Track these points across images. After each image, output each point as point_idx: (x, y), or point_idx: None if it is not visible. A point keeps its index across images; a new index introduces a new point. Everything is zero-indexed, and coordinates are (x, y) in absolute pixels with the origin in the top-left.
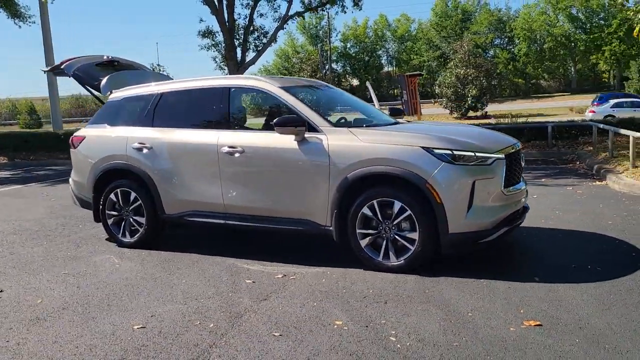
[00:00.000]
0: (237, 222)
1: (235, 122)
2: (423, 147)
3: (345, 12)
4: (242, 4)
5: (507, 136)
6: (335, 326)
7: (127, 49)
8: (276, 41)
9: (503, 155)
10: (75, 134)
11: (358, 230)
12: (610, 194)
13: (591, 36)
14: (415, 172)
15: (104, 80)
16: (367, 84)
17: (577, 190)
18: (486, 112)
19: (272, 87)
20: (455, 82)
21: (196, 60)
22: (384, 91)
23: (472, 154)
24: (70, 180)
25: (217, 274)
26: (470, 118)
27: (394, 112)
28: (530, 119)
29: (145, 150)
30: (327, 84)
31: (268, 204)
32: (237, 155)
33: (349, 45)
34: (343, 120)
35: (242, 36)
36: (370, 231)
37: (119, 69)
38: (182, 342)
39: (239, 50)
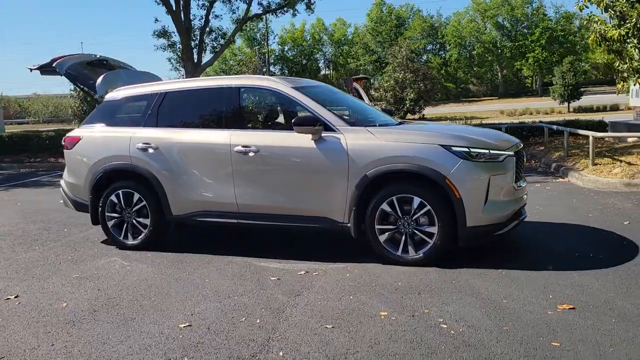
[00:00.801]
0: (250, 221)
1: (247, 121)
2: (442, 145)
3: (295, 15)
4: (197, 5)
5: (510, 135)
6: (383, 317)
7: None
8: (234, 42)
9: (512, 153)
10: (68, 134)
11: (377, 226)
12: (576, 189)
13: (516, 43)
14: (435, 169)
15: (99, 80)
16: (355, 84)
17: (546, 187)
18: (423, 115)
19: (285, 87)
20: (394, 85)
21: (150, 62)
22: None
23: (487, 151)
24: (62, 182)
25: (238, 272)
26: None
27: (386, 113)
28: (467, 122)
29: (150, 151)
30: (320, 82)
31: (284, 202)
32: (251, 154)
33: (286, 49)
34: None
35: (199, 37)
36: (388, 227)
37: (109, 68)
38: (237, 337)
39: (195, 52)
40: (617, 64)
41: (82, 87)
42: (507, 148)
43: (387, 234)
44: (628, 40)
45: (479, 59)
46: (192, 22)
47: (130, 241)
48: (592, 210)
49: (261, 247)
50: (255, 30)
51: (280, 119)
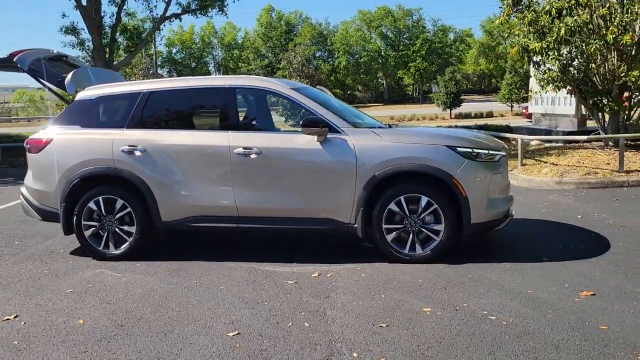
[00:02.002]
0: (251, 225)
1: (245, 122)
2: (447, 146)
3: (211, 17)
4: (109, 1)
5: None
6: (428, 313)
7: None
8: (151, 42)
9: (504, 153)
10: (34, 136)
11: (384, 226)
12: (514, 188)
13: (399, 53)
14: (443, 169)
15: (68, 77)
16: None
17: None
18: None
19: (284, 88)
20: None
21: None
22: None
23: (487, 151)
24: (23, 190)
25: (249, 278)
26: None
27: None
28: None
29: (137, 154)
30: (305, 85)
31: (288, 204)
32: (253, 156)
33: (174, 51)
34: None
35: (110, 35)
36: (395, 226)
37: (70, 65)
38: (298, 342)
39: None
40: (534, 74)
41: (47, 84)
42: (501, 149)
43: (394, 233)
44: (549, 53)
45: (365, 66)
46: (103, 19)
47: (112, 251)
48: (541, 207)
49: (256, 251)
50: (141, 30)
51: (278, 119)
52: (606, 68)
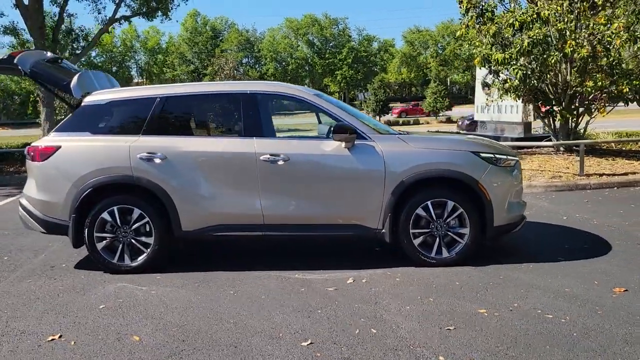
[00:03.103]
0: (278, 233)
1: (269, 128)
2: (472, 152)
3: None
4: (50, 1)
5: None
6: (486, 314)
7: None
8: (99, 44)
9: (518, 158)
10: (37, 144)
11: (412, 231)
12: None
13: (326, 61)
14: (469, 174)
15: (74, 81)
16: None
17: None
18: None
19: (307, 94)
20: None
21: None
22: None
23: (505, 157)
24: (23, 200)
25: (286, 286)
26: None
27: None
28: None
29: (157, 161)
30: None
31: (315, 211)
32: (280, 163)
33: (93, 54)
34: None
35: (52, 36)
36: (422, 230)
37: (64, 69)
38: (378, 348)
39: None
40: (494, 82)
41: (50, 88)
42: (514, 154)
43: (421, 237)
44: (512, 63)
45: (293, 74)
46: (45, 19)
47: (127, 263)
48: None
49: (276, 259)
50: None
51: (301, 125)
52: (559, 78)
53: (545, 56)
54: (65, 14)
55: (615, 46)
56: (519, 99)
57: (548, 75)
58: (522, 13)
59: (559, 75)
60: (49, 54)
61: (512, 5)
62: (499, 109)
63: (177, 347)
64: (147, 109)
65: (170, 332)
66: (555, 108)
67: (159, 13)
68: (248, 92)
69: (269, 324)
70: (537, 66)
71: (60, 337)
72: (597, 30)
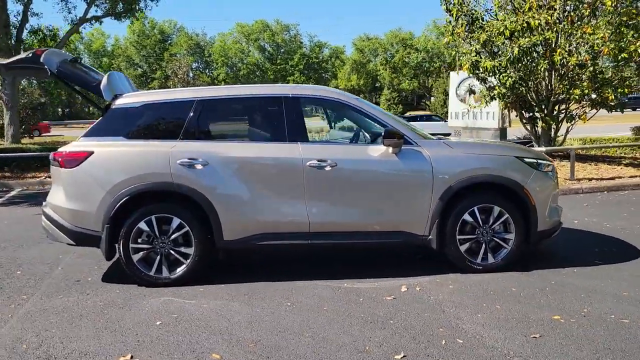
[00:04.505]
0: (323, 241)
1: (312, 134)
2: (517, 157)
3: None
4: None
5: None
6: (562, 321)
7: None
8: (68, 45)
9: (553, 163)
10: (65, 149)
11: (458, 237)
12: None
13: (278, 67)
14: (515, 180)
15: (104, 82)
16: None
17: None
18: None
19: (350, 99)
20: None
21: None
22: (78, 108)
23: (545, 162)
24: (48, 210)
25: (341, 296)
26: None
27: None
28: None
29: (199, 167)
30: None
31: (363, 218)
32: (327, 169)
33: None
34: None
35: (16, 35)
36: (468, 236)
37: (85, 70)
38: (475, 358)
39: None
40: (481, 90)
41: (78, 90)
42: (550, 160)
43: (468, 243)
44: (501, 70)
45: (244, 79)
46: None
47: (166, 275)
48: None
49: (312, 268)
50: None
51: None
52: (543, 86)
53: (534, 64)
54: (30, 13)
55: (602, 55)
56: (504, 106)
57: (533, 83)
58: (512, 22)
59: (543, 83)
60: (68, 54)
61: (502, 14)
62: (474, 115)
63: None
64: (184, 113)
65: (249, 349)
66: (538, 115)
67: (129, 15)
68: (290, 95)
69: (348, 337)
70: (524, 74)
71: (131, 357)
72: (585, 39)
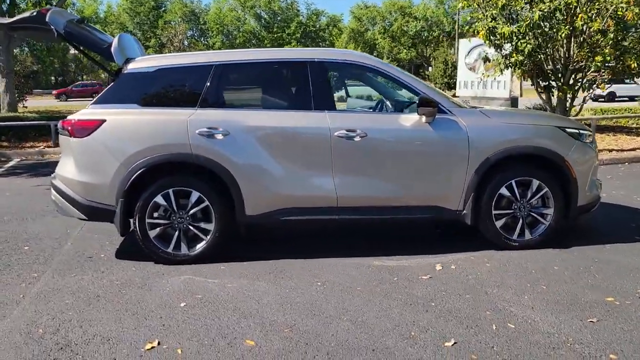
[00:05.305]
0: (351, 216)
1: (339, 102)
2: (558, 127)
3: None
4: None
5: None
6: (617, 303)
7: None
8: (70, 6)
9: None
10: (75, 116)
11: (494, 212)
12: None
13: (274, 35)
14: (556, 151)
15: (115, 44)
16: None
17: None
18: None
19: (382, 64)
20: None
21: None
22: (72, 77)
23: (586, 132)
24: (58, 182)
25: (372, 275)
26: None
27: None
28: None
29: (219, 137)
30: None
31: (393, 192)
32: (357, 139)
33: None
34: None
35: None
36: (504, 211)
37: (93, 32)
38: (534, 344)
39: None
40: (496, 57)
41: (87, 52)
42: (590, 130)
43: (504, 219)
44: (519, 36)
45: (240, 47)
46: None
47: (184, 252)
48: None
49: (342, 244)
50: None
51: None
52: (561, 53)
53: (554, 30)
54: None
55: (626, 20)
56: (520, 75)
57: (551, 50)
58: None
59: (562, 50)
60: (74, 14)
61: None
62: (484, 84)
63: (307, 354)
64: (203, 78)
65: (284, 334)
66: (554, 83)
67: None
68: (316, 60)
69: (390, 321)
70: (543, 41)
71: (159, 343)
72: (609, 2)
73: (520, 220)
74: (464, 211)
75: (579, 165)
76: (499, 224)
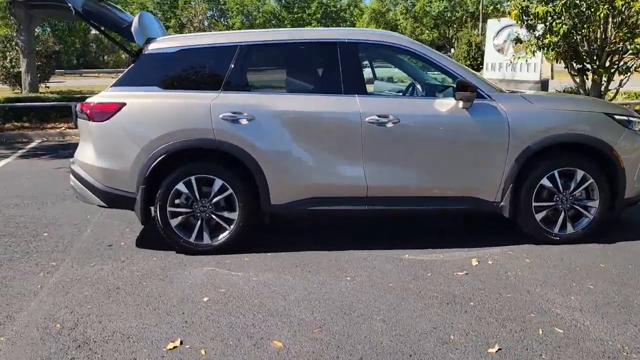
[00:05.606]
0: (382, 207)
1: (375, 84)
2: (606, 114)
3: None
4: None
5: None
6: None
7: None
8: None
9: None
10: (94, 99)
11: (534, 204)
12: None
13: (295, 16)
14: (604, 140)
15: (135, 23)
16: None
17: None
18: None
19: (418, 45)
20: None
21: None
22: (93, 57)
23: (636, 119)
24: (76, 167)
25: (404, 269)
26: None
27: None
28: None
29: (244, 122)
30: None
31: (427, 182)
32: (390, 125)
33: None
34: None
35: None
36: (545, 204)
37: (112, 10)
38: (593, 355)
39: None
40: (529, 39)
41: (107, 32)
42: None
43: (544, 211)
44: (554, 16)
45: (260, 28)
46: None
47: (207, 242)
48: None
49: (369, 236)
50: None
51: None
52: (597, 34)
53: (592, 10)
54: None
55: None
56: (554, 56)
57: (588, 31)
58: None
59: (598, 31)
60: None
61: None
62: (513, 67)
63: (340, 357)
64: (227, 60)
65: (314, 335)
66: (589, 66)
67: None
68: (347, 40)
69: (426, 322)
70: (579, 21)
71: (181, 343)
72: None
73: (562, 213)
74: (502, 203)
75: (627, 154)
76: (538, 217)
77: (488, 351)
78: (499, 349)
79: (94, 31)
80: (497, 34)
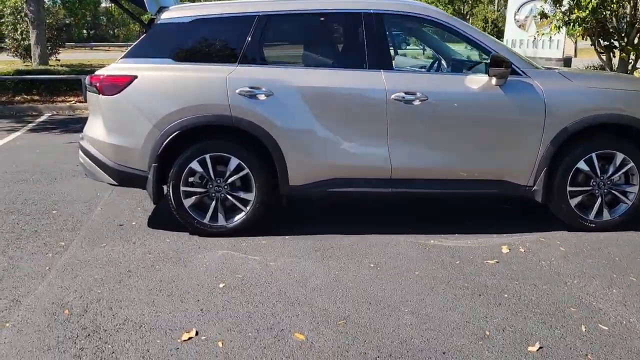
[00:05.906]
0: (407, 190)
1: (396, 59)
2: None
3: None
4: None
5: None
6: None
7: None
8: None
9: None
10: (103, 72)
11: (569, 189)
12: None
13: None
14: None
15: None
16: None
17: None
18: None
19: (447, 17)
20: None
21: None
22: (103, 31)
23: None
24: (86, 144)
25: (430, 256)
26: None
27: None
28: None
29: (262, 97)
30: None
31: (455, 164)
32: (417, 103)
33: None
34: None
35: None
36: (581, 188)
37: None
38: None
39: None
40: (556, 14)
41: (118, 0)
42: None
43: (580, 196)
44: None
45: None
46: None
47: (221, 224)
48: None
49: (392, 220)
50: None
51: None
52: (627, 10)
53: None
54: None
55: None
56: (581, 33)
57: (617, 6)
58: None
59: (628, 6)
60: None
61: None
62: (534, 44)
63: (367, 355)
64: (244, 31)
65: (339, 328)
66: (616, 43)
67: None
68: (372, 11)
69: (459, 316)
70: None
71: (197, 334)
72: None
73: (599, 199)
74: (534, 187)
75: None
76: (573, 202)
77: (528, 349)
78: (540, 347)
79: (104, 4)
80: (519, 9)
